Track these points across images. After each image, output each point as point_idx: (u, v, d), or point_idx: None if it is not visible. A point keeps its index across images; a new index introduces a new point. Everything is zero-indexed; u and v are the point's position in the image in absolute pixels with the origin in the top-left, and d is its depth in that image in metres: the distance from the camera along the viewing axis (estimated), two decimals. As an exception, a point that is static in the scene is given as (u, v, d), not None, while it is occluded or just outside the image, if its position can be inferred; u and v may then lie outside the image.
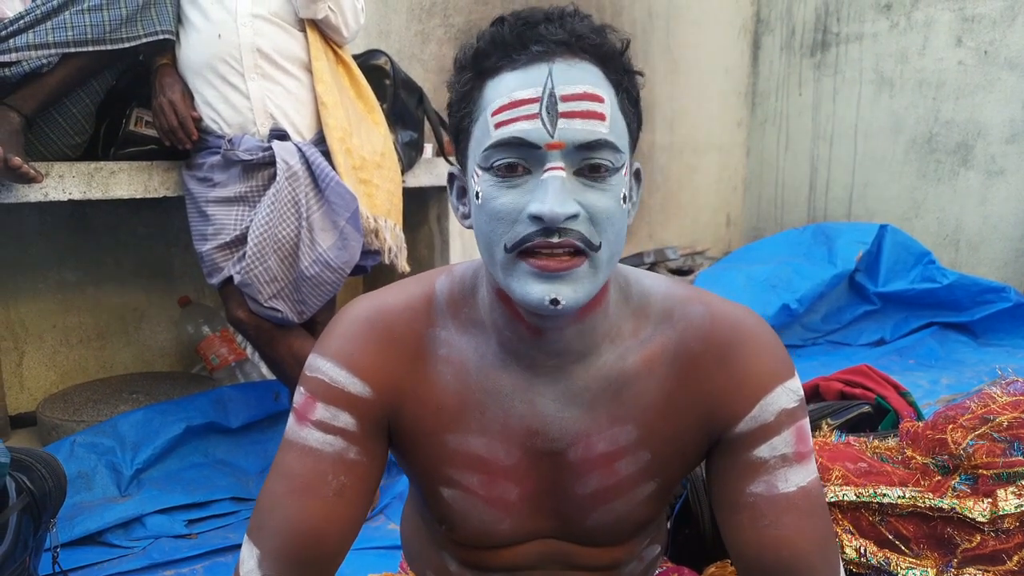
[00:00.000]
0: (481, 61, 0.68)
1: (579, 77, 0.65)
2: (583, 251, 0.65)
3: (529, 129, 0.64)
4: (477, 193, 0.68)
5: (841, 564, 0.76)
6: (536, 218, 0.64)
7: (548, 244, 0.64)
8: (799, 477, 0.73)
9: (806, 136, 4.22)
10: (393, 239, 1.85)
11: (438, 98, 2.86)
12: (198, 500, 1.79)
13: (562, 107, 0.64)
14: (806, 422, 0.76)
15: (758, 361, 0.75)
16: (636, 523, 0.83)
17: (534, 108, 0.64)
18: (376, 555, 1.59)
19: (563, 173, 0.64)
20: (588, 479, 0.79)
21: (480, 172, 0.68)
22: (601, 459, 0.78)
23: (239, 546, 0.77)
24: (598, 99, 0.65)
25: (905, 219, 3.78)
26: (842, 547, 1.02)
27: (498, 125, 0.65)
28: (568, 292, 0.65)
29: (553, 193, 0.63)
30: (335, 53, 1.81)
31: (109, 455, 1.85)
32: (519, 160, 0.65)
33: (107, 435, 1.88)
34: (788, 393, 0.75)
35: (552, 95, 0.64)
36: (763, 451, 0.74)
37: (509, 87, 0.66)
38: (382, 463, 0.80)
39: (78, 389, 2.16)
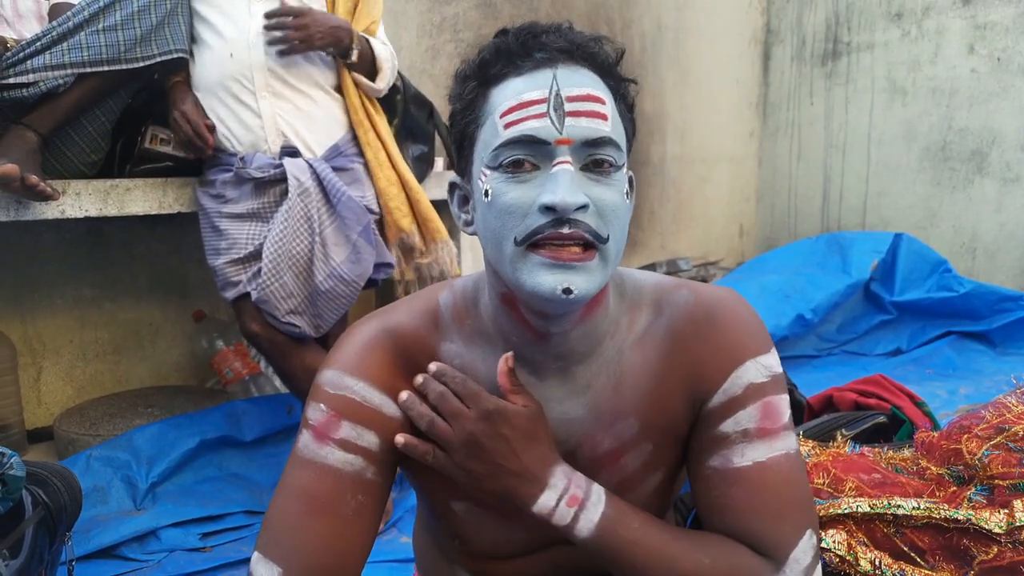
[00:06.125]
0: (487, 69, 0.72)
1: (581, 81, 0.69)
2: (593, 244, 0.67)
3: (538, 127, 0.67)
4: (486, 191, 0.70)
5: (808, 541, 0.74)
6: (548, 209, 0.66)
7: (559, 235, 0.66)
8: (757, 452, 0.75)
9: (818, 146, 4.20)
10: (450, 257, 1.95)
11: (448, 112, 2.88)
12: (212, 513, 1.80)
13: (568, 107, 0.67)
14: (778, 399, 0.77)
15: (731, 335, 0.77)
16: None
17: (542, 108, 0.67)
18: (389, 569, 1.59)
19: (571, 167, 0.67)
20: (598, 479, 0.79)
21: (488, 172, 0.70)
22: (608, 456, 0.80)
23: (252, 559, 0.77)
24: (600, 100, 0.69)
25: (920, 228, 3.74)
26: (857, 559, 1.01)
27: (508, 125, 0.68)
28: (580, 282, 0.67)
29: (564, 184, 0.65)
30: (368, 103, 1.87)
31: (124, 469, 1.87)
32: (528, 156, 0.68)
33: (123, 449, 1.90)
34: (759, 368, 0.76)
35: (559, 95, 0.67)
36: (727, 425, 0.76)
37: (516, 90, 0.69)
38: (392, 481, 0.81)
39: (94, 403, 2.18)
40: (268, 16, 1.65)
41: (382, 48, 1.85)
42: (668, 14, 3.86)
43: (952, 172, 3.66)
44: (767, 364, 0.77)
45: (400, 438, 0.76)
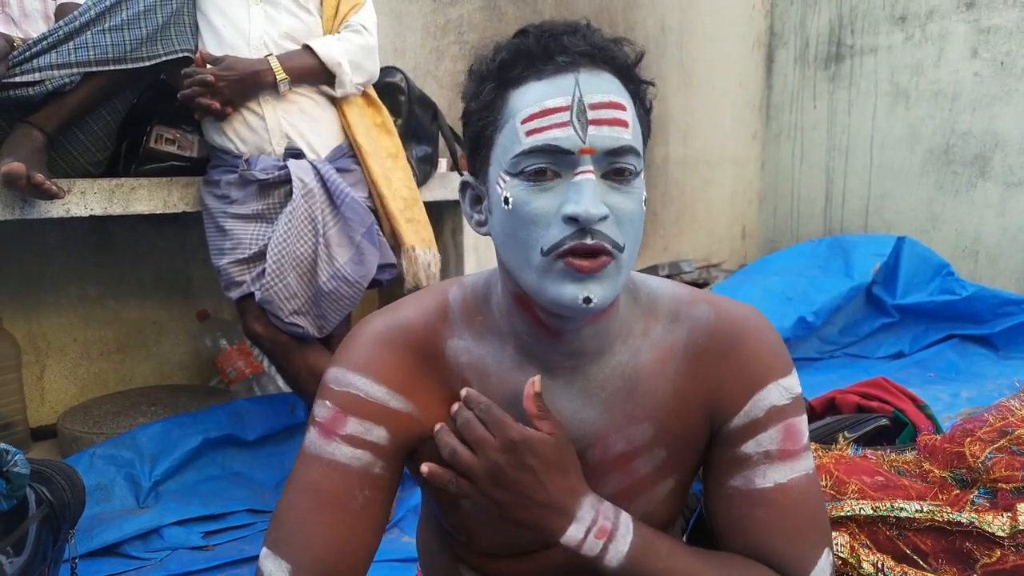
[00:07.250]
0: (506, 71, 0.70)
1: (603, 86, 0.68)
2: (609, 251, 0.67)
3: (562, 136, 0.66)
4: (506, 199, 0.69)
5: (826, 559, 0.76)
6: (571, 219, 0.66)
7: (584, 246, 0.66)
8: (779, 474, 0.75)
9: (821, 148, 4.21)
10: (436, 266, 1.91)
11: (452, 113, 2.89)
12: (215, 512, 1.80)
13: (591, 114, 0.67)
14: (798, 420, 0.77)
15: (754, 357, 0.78)
16: (657, 524, 0.83)
17: (565, 116, 0.67)
18: (391, 568, 1.59)
19: (593, 176, 0.67)
20: (607, 480, 0.80)
21: (508, 178, 0.70)
22: (619, 459, 0.80)
23: (255, 558, 0.77)
24: (622, 107, 0.68)
25: (923, 231, 3.75)
26: (859, 562, 1.01)
27: (529, 132, 0.67)
28: (598, 290, 0.67)
29: (587, 195, 0.66)
30: (365, 95, 1.85)
31: (128, 467, 1.87)
32: (550, 165, 0.67)
33: (126, 447, 1.90)
34: (781, 390, 0.77)
35: (581, 103, 0.67)
36: (749, 447, 0.77)
37: (538, 96, 0.68)
38: (399, 477, 0.80)
39: (98, 402, 2.18)
40: (188, 75, 1.62)
41: (335, 46, 1.73)
42: (672, 16, 3.86)
43: (955, 176, 3.66)
44: (788, 386, 0.78)
45: (425, 467, 0.75)
